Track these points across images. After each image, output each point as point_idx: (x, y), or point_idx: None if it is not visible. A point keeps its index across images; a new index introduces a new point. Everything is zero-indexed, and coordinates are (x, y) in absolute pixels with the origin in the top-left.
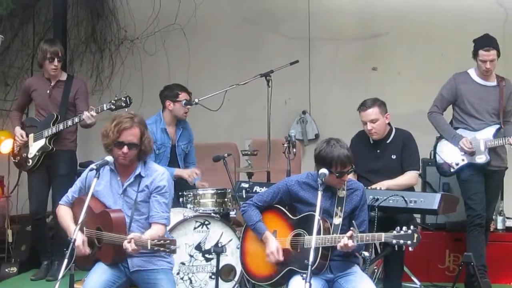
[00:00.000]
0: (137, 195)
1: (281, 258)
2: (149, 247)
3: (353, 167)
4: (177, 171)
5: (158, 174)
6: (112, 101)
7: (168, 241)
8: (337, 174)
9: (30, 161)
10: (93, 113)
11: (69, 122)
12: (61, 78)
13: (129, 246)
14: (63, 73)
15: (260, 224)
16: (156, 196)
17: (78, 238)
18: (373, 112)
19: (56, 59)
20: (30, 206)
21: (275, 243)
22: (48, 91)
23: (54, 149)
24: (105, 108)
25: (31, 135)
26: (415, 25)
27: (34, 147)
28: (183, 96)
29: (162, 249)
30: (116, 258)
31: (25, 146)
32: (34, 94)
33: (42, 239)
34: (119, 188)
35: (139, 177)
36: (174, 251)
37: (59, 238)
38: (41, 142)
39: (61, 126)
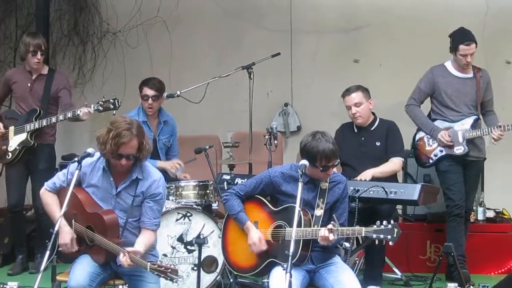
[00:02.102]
0: (133, 200)
1: (264, 247)
2: (148, 269)
3: (338, 161)
4: (160, 164)
5: (155, 180)
6: (100, 102)
7: (170, 270)
8: (321, 168)
9: (10, 154)
10: (91, 109)
11: (53, 119)
12: (43, 71)
13: (124, 261)
14: (45, 66)
15: (242, 214)
16: (150, 202)
17: (66, 235)
18: (356, 96)
19: (39, 52)
20: (9, 198)
21: (257, 233)
22: (29, 84)
23: (36, 144)
24: (92, 109)
25: (11, 128)
26: (396, 17)
27: (15, 141)
28: (144, 91)
29: (162, 275)
30: (108, 259)
31: (4, 138)
32: (15, 86)
33: (19, 233)
34: (111, 189)
35: (136, 180)
36: (172, 280)
37: (41, 231)
38: (22, 136)
39: (44, 122)
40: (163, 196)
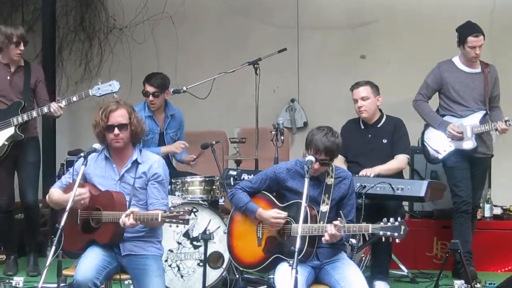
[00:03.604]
0: (134, 181)
1: (284, 214)
2: (159, 220)
3: (330, 160)
4: (164, 149)
5: (155, 161)
6: (97, 86)
7: (181, 213)
8: None
9: None
10: (62, 104)
11: (45, 109)
12: (20, 63)
13: (126, 220)
14: (21, 58)
15: (251, 204)
16: (155, 183)
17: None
18: (365, 90)
19: (22, 43)
20: (0, 198)
21: (271, 210)
22: (8, 77)
23: (25, 137)
24: (90, 94)
25: None
26: (403, 13)
27: (1, 136)
28: (145, 87)
29: (174, 220)
30: (114, 238)
31: None
32: None
33: (11, 232)
34: (115, 175)
35: (136, 163)
36: (187, 222)
37: (31, 228)
38: (10, 131)
39: (34, 114)
40: (164, 177)
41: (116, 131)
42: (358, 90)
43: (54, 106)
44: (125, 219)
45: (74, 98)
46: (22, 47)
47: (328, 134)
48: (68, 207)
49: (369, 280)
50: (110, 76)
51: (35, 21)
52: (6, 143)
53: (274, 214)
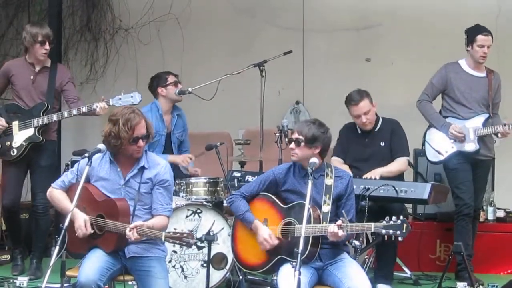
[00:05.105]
0: (140, 186)
1: (275, 242)
2: (163, 239)
3: (305, 140)
4: (170, 158)
5: (162, 167)
6: (119, 96)
7: (185, 235)
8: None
9: (15, 150)
10: (106, 105)
11: (65, 114)
12: (46, 64)
13: (131, 234)
14: (48, 58)
15: (248, 214)
16: (160, 189)
17: (79, 219)
18: (364, 104)
19: (47, 43)
20: (6, 197)
21: (266, 229)
22: (32, 77)
23: (44, 140)
24: (110, 103)
25: (15, 123)
26: (408, 16)
27: (20, 136)
28: (171, 78)
29: (178, 242)
30: (119, 246)
31: (7, 134)
32: (15, 79)
33: (17, 231)
34: (119, 179)
35: (142, 168)
36: (190, 245)
37: (39, 232)
38: (29, 132)
39: (55, 117)
40: (170, 182)
41: (141, 143)
42: (359, 106)
43: (100, 105)
44: (130, 234)
45: (95, 107)
46: (47, 47)
47: (308, 122)
48: (73, 205)
49: (372, 282)
50: (116, 77)
51: (41, 21)
52: (24, 144)
53: (266, 236)
